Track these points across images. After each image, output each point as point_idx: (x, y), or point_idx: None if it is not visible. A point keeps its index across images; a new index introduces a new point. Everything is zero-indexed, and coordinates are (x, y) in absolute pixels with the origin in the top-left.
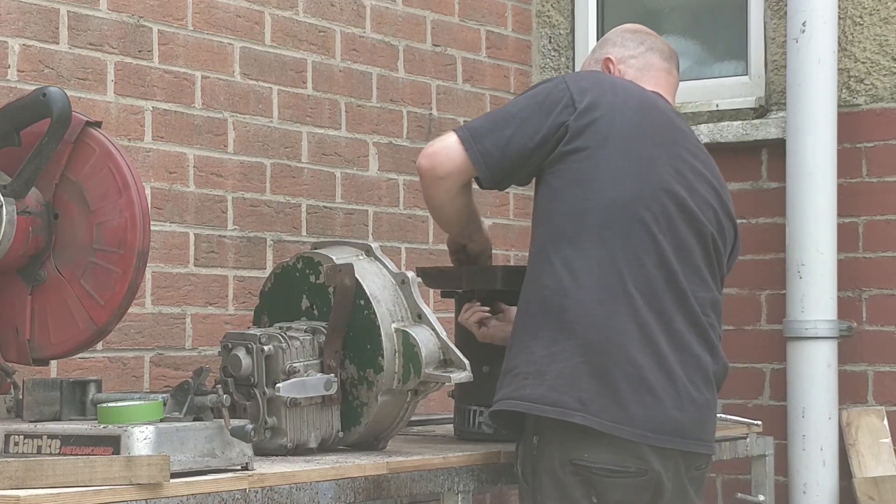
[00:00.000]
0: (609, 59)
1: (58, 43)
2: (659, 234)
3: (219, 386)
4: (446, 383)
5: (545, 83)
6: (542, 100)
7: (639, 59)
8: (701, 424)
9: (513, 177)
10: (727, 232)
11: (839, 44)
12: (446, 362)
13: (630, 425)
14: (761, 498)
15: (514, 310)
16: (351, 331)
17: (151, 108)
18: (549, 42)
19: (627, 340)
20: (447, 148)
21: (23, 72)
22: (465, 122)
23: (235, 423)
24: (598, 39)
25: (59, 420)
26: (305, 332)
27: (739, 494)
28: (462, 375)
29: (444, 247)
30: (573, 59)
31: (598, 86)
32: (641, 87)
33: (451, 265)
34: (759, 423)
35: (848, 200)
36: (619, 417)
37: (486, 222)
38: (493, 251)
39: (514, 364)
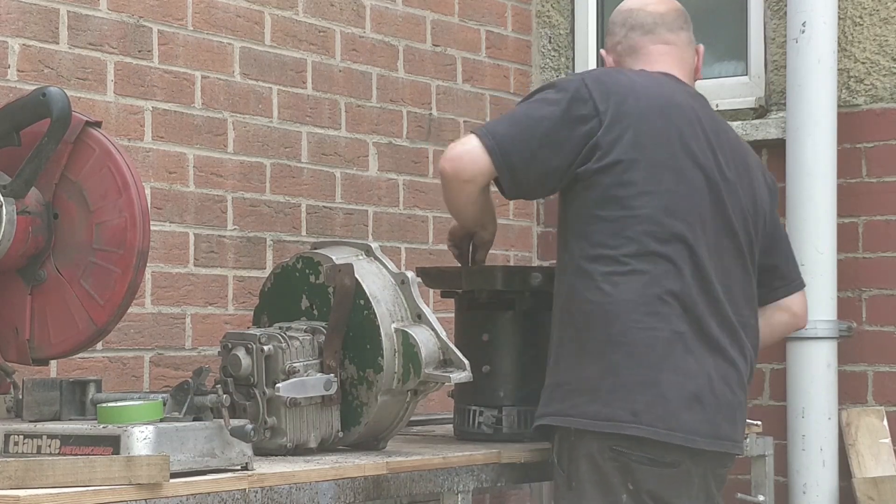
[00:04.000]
0: (601, 52)
1: (58, 43)
2: (694, 243)
3: (218, 386)
4: (446, 383)
5: (564, 85)
6: (567, 108)
7: (623, 42)
8: (733, 425)
9: (538, 191)
10: (760, 212)
11: (839, 44)
12: (446, 362)
13: (679, 431)
14: (761, 498)
15: None
16: (351, 331)
17: (151, 108)
18: (549, 42)
19: (672, 350)
20: (471, 153)
21: (23, 72)
22: (476, 124)
23: (235, 422)
24: (598, 39)
25: (58, 420)
26: (305, 332)
27: (739, 495)
28: (462, 375)
29: (444, 247)
30: (573, 59)
31: (619, 91)
32: (659, 83)
33: (451, 265)
34: (759, 423)
35: (848, 200)
36: (670, 425)
37: None
38: (493, 251)
39: (564, 379)
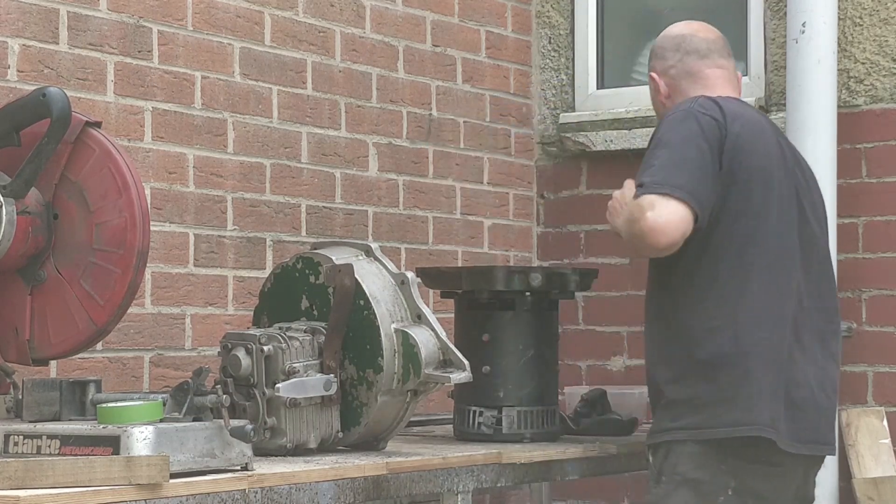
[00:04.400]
0: (651, 75)
1: (58, 43)
2: (796, 262)
3: (218, 386)
4: (446, 384)
5: (687, 120)
6: (708, 138)
7: (677, 67)
8: (830, 428)
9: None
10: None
11: (839, 44)
12: (446, 363)
13: (794, 440)
14: None
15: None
16: (350, 331)
17: (151, 109)
18: (549, 42)
19: (787, 362)
20: (677, 214)
21: (23, 72)
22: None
23: (235, 423)
24: (597, 39)
25: (58, 420)
26: (305, 332)
27: None
28: (462, 376)
29: (444, 247)
30: (573, 59)
31: (732, 116)
32: (744, 108)
33: (451, 266)
34: None
35: (848, 201)
36: (792, 435)
37: (487, 223)
38: (493, 251)
39: (695, 393)
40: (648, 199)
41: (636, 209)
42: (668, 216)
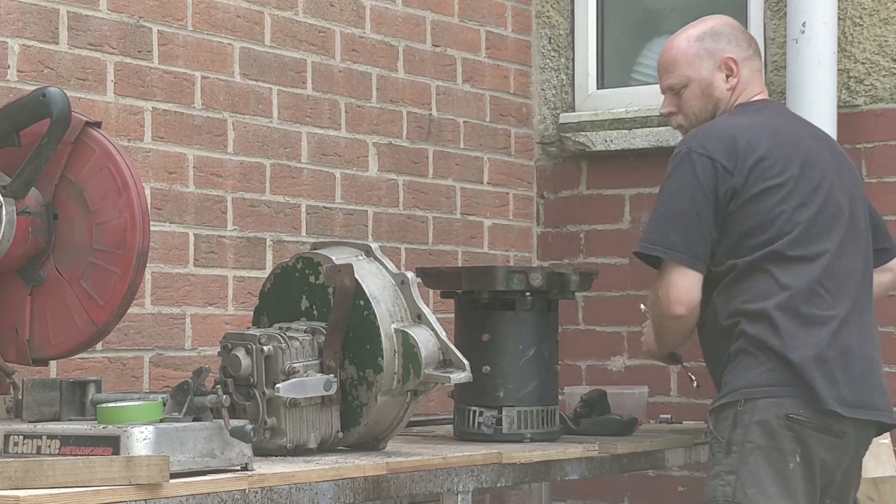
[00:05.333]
0: (732, 59)
1: (57, 43)
2: (839, 235)
3: (218, 386)
4: (446, 384)
5: (682, 165)
6: (702, 185)
7: (751, 61)
8: (885, 397)
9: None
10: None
11: (839, 44)
12: (446, 363)
13: (851, 405)
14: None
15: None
16: (350, 331)
17: (151, 109)
18: (549, 42)
19: (841, 333)
20: (688, 280)
21: (23, 72)
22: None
23: (235, 423)
24: (597, 39)
25: (58, 420)
26: (305, 332)
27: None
28: (462, 376)
29: (444, 247)
30: (573, 59)
31: (744, 139)
32: (772, 114)
33: (451, 266)
34: None
35: None
36: (846, 400)
37: (487, 223)
38: (493, 251)
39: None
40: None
41: (654, 299)
42: (676, 287)
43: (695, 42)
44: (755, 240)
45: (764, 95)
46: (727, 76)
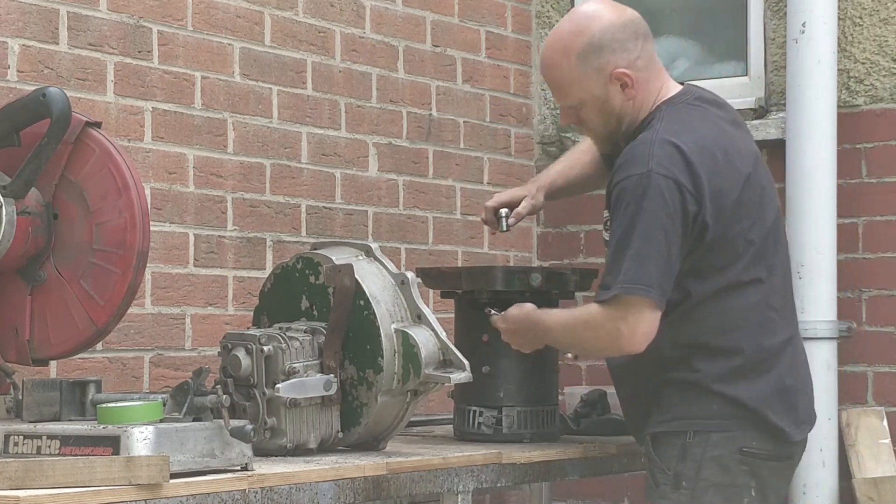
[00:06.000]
0: (622, 72)
1: (57, 43)
2: (779, 255)
3: (218, 386)
4: (446, 384)
5: (648, 191)
6: (671, 213)
7: (642, 56)
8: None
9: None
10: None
11: (839, 44)
12: (446, 363)
13: (801, 425)
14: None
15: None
16: (350, 331)
17: (151, 109)
18: None
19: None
20: (649, 319)
21: (22, 72)
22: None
23: (235, 423)
24: None
25: (58, 420)
26: (305, 332)
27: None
28: (462, 376)
29: (444, 247)
30: None
31: (701, 163)
32: (714, 129)
33: (451, 266)
34: None
35: (848, 201)
36: (796, 421)
37: None
38: (493, 251)
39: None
40: (620, 310)
41: (604, 317)
42: (637, 323)
43: (576, 63)
44: (710, 266)
45: (669, 82)
46: (622, 87)
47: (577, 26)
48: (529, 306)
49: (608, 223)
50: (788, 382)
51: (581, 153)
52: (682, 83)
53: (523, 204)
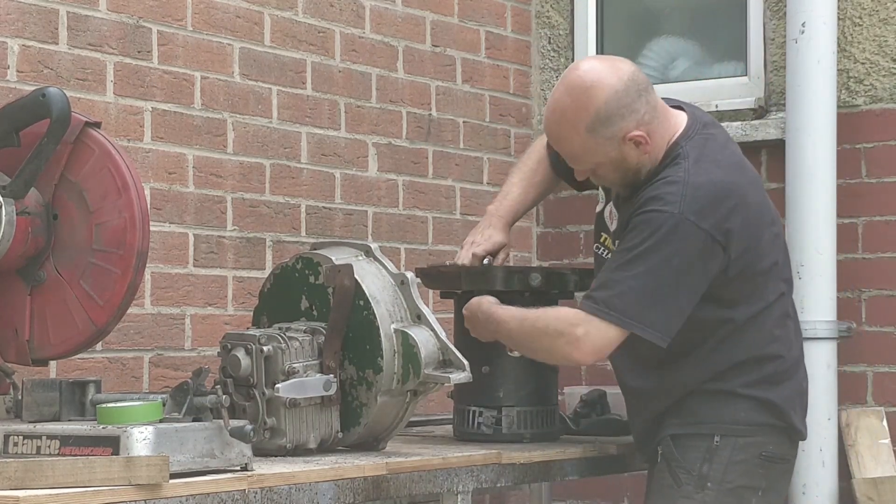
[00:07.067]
0: (634, 136)
1: (57, 43)
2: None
3: (218, 386)
4: (446, 384)
5: (674, 234)
6: (691, 260)
7: (648, 111)
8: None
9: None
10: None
11: (838, 44)
12: (446, 363)
13: (805, 427)
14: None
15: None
16: (350, 331)
17: (151, 109)
18: (549, 42)
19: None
20: (609, 340)
21: (22, 72)
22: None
23: (235, 423)
24: (597, 39)
25: (58, 420)
26: (305, 332)
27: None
28: (461, 376)
29: (444, 247)
30: (573, 59)
31: (734, 209)
32: (734, 157)
33: (450, 266)
34: None
35: (847, 201)
36: (804, 421)
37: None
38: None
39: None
40: (593, 327)
41: (565, 325)
42: (598, 339)
43: (587, 136)
44: (745, 294)
45: (674, 116)
46: (637, 144)
47: (580, 101)
48: (489, 298)
49: (606, 240)
50: (805, 385)
51: (531, 172)
52: (678, 82)
53: (501, 256)
